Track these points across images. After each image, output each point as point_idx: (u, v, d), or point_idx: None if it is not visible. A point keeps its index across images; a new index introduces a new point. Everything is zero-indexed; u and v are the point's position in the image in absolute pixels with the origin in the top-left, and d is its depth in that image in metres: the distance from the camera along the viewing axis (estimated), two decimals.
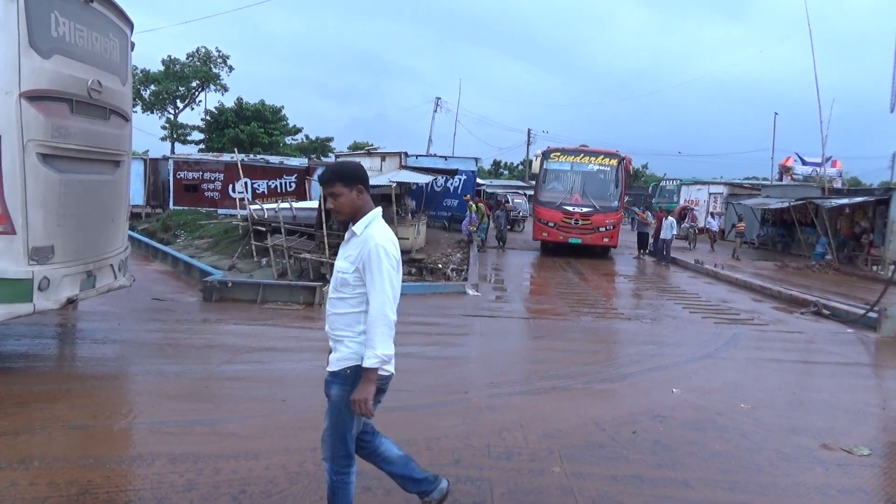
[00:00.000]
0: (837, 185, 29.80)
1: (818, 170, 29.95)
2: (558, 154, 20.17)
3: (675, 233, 19.48)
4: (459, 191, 24.99)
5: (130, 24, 7.57)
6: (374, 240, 2.87)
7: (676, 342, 9.15)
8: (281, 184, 27.82)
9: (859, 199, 19.96)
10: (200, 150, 45.94)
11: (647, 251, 20.93)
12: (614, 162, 19.69)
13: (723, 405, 6.06)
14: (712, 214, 25.38)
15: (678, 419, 5.60)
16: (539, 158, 20.60)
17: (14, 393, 5.65)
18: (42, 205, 5.91)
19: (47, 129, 5.89)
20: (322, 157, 44.47)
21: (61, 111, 6.11)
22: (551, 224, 19.17)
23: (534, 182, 23.12)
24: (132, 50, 7.76)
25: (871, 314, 10.45)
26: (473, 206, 21.93)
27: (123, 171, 7.61)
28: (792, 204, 21.69)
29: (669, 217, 19.43)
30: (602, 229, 19.01)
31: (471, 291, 12.62)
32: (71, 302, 6.55)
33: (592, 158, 19.84)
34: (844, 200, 20.04)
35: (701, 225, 26.76)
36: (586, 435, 5.10)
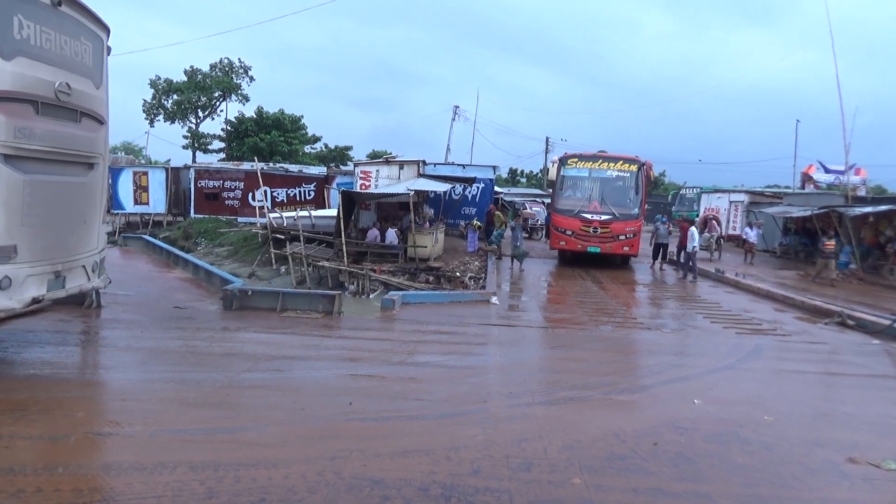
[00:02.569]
0: (861, 193, 29.33)
1: (841, 178, 29.52)
2: (576, 160, 19.37)
3: (695, 244, 18.09)
4: (477, 199, 25.00)
5: (106, 29, 7.59)
6: None
7: (697, 353, 9.05)
8: (300, 192, 28.06)
9: (884, 208, 19.59)
10: (221, 159, 46.46)
11: (667, 261, 20.35)
12: (634, 168, 18.91)
13: (745, 417, 5.97)
14: (750, 225, 23.93)
15: (700, 431, 5.53)
16: (556, 165, 19.90)
17: (39, 399, 5.75)
18: (4, 204, 5.93)
19: (9, 130, 5.93)
20: (341, 166, 44.80)
21: (25, 112, 6.14)
22: (569, 232, 18.63)
23: (551, 190, 22.88)
24: (108, 54, 7.73)
25: None
26: (476, 223, 21.97)
27: (98, 174, 7.56)
28: (815, 212, 21.35)
29: (692, 228, 18.74)
30: (622, 237, 18.36)
31: (493, 300, 12.60)
32: (37, 302, 6.55)
33: (611, 164, 19.09)
34: (868, 209, 19.69)
35: (723, 233, 26.19)
36: (606, 446, 5.06)
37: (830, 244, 17.34)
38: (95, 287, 7.86)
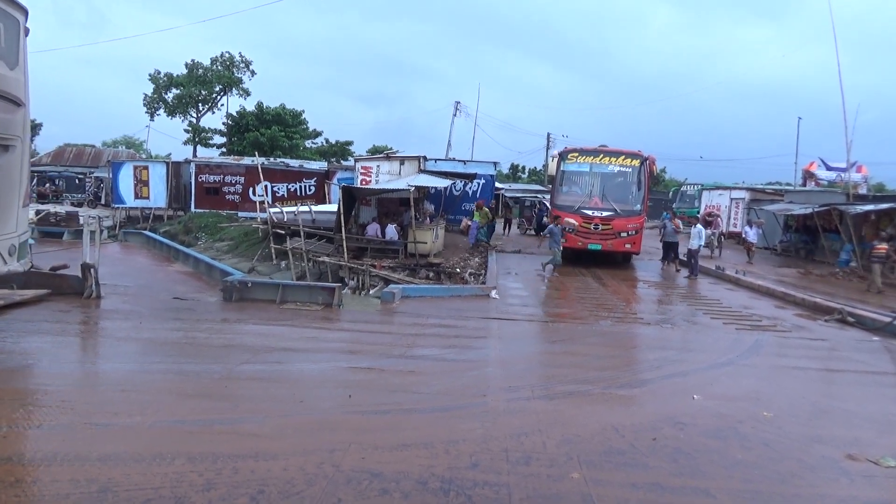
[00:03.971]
0: (862, 190, 29.30)
1: (843, 175, 29.49)
2: (576, 155, 18.65)
3: (702, 243, 17.56)
4: (478, 195, 24.97)
5: (23, 10, 7.45)
6: None
7: (697, 348, 9.04)
8: (300, 187, 28.04)
9: (885, 206, 19.56)
10: (222, 154, 46.44)
11: (677, 261, 19.34)
12: (636, 163, 18.27)
13: (745, 413, 5.96)
14: (749, 223, 22.87)
15: (699, 427, 5.52)
16: (556, 159, 19.12)
17: (38, 389, 5.75)
18: None
19: None
20: (342, 161, 44.74)
21: None
22: (569, 229, 17.94)
23: (550, 185, 22.44)
24: (27, 35, 7.56)
25: None
26: (477, 213, 21.73)
27: (14, 156, 7.39)
28: (816, 210, 21.33)
29: (697, 224, 18.17)
30: (624, 234, 17.77)
31: (493, 295, 12.60)
32: None
33: (613, 159, 18.42)
34: (870, 207, 19.65)
35: (724, 230, 26.12)
36: (605, 441, 5.05)
37: (882, 248, 15.41)
38: (13, 271, 7.67)
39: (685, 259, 19.32)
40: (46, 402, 5.42)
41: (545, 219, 28.09)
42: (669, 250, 19.50)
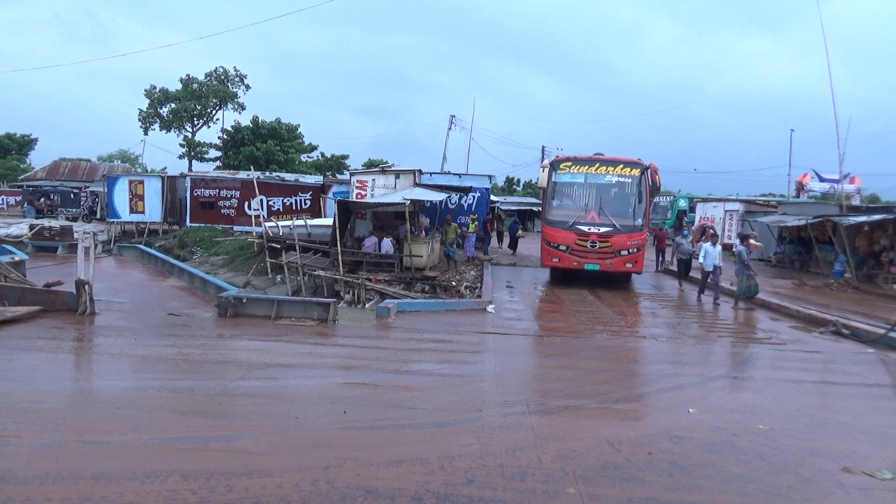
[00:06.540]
0: (856, 201, 29.50)
1: (836, 186, 29.71)
2: (569, 164, 16.77)
3: (716, 262, 15.15)
4: (473, 208, 25.06)
5: None
6: None
7: (692, 361, 9.04)
8: (296, 201, 28.07)
9: (878, 217, 19.69)
10: (217, 168, 46.53)
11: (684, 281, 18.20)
12: (636, 172, 16.41)
13: (740, 426, 5.96)
14: (742, 238, 21.81)
15: (695, 440, 5.52)
16: (546, 170, 17.00)
17: (31, 407, 5.70)
18: None
19: None
20: (337, 175, 44.88)
21: None
22: (563, 248, 16.11)
23: (542, 198, 19.29)
24: None
25: (892, 334, 10.26)
26: (471, 225, 21.86)
27: None
28: (809, 221, 21.44)
29: (707, 243, 16.02)
30: (624, 253, 15.88)
31: (489, 309, 12.61)
32: None
33: (610, 168, 16.55)
34: (863, 218, 19.77)
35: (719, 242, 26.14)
36: (601, 455, 5.04)
37: None
38: None
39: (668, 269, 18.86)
40: (39, 419, 5.39)
41: (519, 232, 28.08)
42: (682, 267, 18.41)
